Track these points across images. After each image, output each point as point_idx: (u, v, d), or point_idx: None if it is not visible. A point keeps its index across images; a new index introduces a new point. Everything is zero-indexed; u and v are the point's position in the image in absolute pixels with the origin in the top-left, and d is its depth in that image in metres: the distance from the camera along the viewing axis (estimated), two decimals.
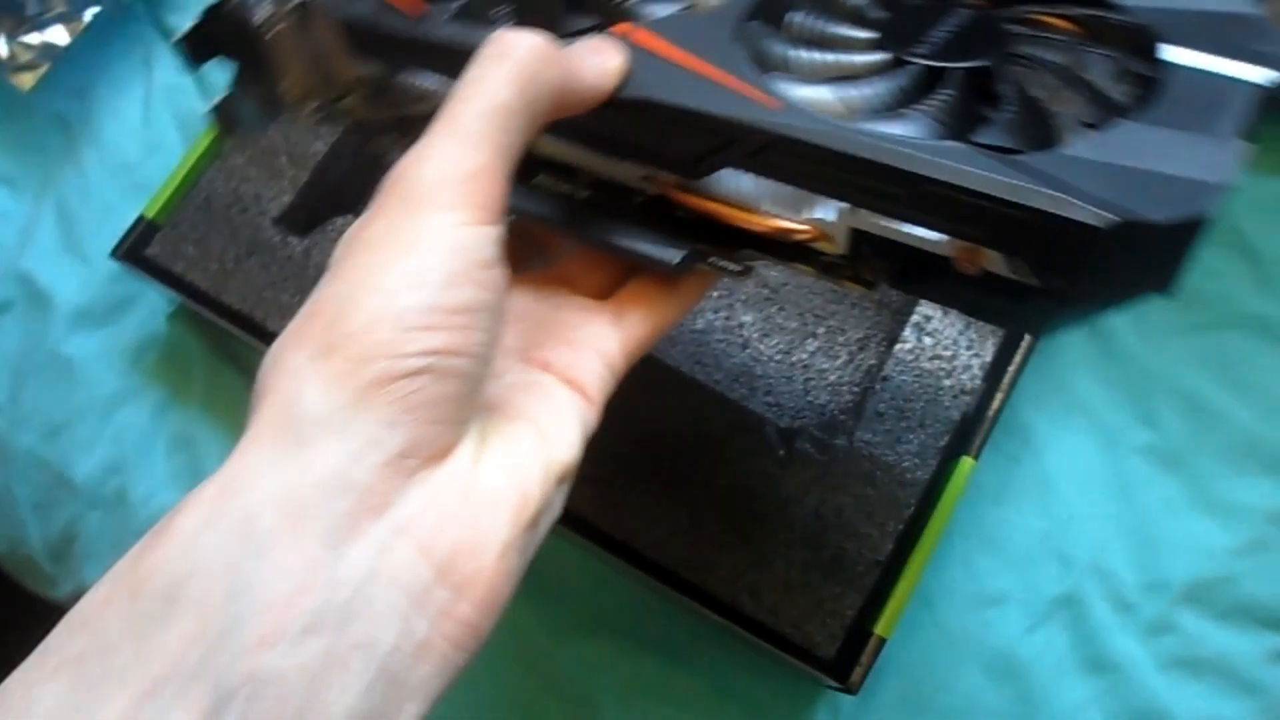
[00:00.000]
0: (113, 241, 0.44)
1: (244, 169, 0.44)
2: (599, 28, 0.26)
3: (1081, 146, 0.21)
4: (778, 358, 0.42)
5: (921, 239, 0.23)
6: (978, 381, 0.39)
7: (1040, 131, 0.22)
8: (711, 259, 0.26)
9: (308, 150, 0.44)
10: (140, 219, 0.44)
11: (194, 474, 0.47)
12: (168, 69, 0.52)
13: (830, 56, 0.25)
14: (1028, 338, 0.39)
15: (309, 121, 0.30)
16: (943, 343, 0.40)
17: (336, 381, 0.19)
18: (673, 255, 0.25)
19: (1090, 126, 0.22)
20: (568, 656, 0.42)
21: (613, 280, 0.28)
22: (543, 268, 0.28)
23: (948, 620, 0.41)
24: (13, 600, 0.49)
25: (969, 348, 0.40)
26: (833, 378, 0.41)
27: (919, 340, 0.40)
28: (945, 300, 0.32)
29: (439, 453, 0.21)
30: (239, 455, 0.20)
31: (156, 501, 0.46)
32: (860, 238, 0.24)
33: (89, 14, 0.49)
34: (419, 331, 0.20)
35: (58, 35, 0.49)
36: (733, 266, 0.25)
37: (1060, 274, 0.20)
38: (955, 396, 0.39)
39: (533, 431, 0.23)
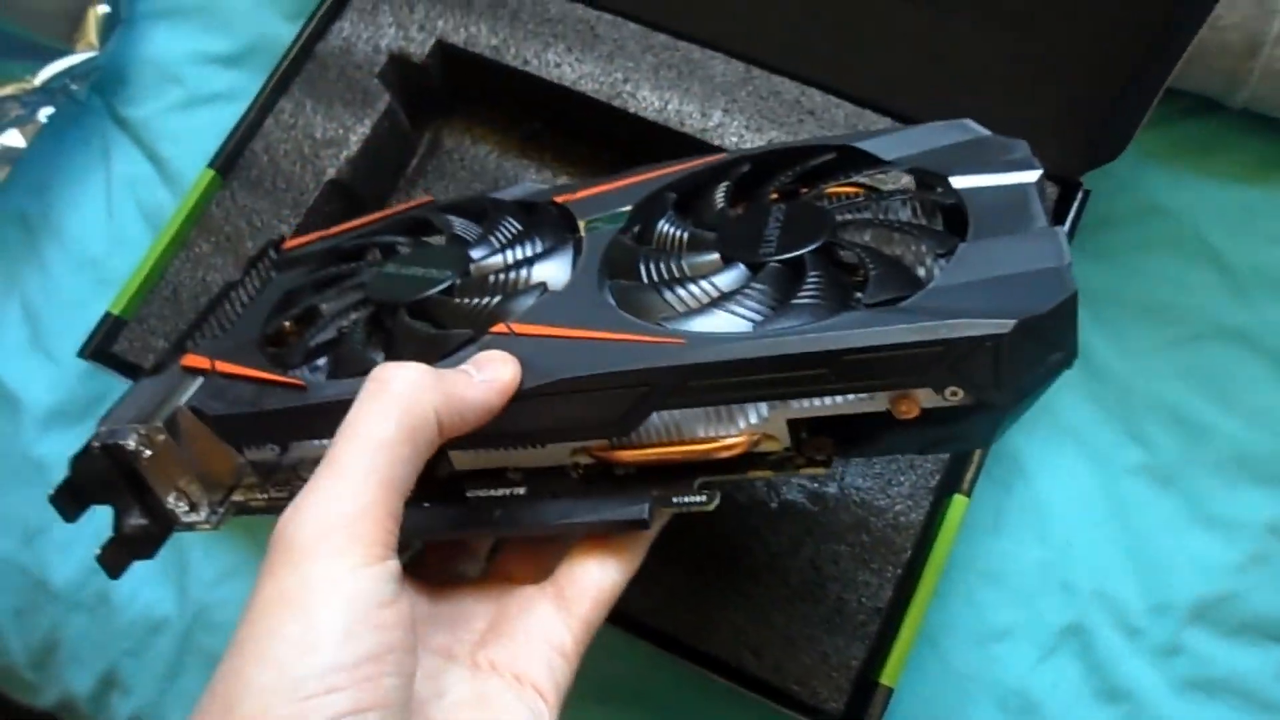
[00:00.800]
0: (80, 339, 0.43)
1: (209, 257, 0.44)
2: (475, 337, 0.27)
3: (944, 276, 0.24)
4: None
5: (855, 404, 0.23)
6: None
7: (903, 275, 0.25)
8: (674, 499, 0.25)
9: (273, 234, 0.44)
10: (107, 315, 0.43)
11: (180, 568, 0.45)
12: (127, 160, 0.51)
13: (699, 286, 0.26)
14: None
15: (207, 527, 0.29)
16: None
17: None
18: (639, 511, 0.25)
19: (940, 256, 0.25)
20: None
21: (550, 560, 0.26)
22: (478, 570, 0.28)
23: (955, 660, 0.40)
24: None
25: None
26: None
27: None
28: (897, 448, 0.32)
29: None
30: None
31: (140, 601, 0.45)
32: (798, 425, 0.25)
33: (44, 114, 0.49)
34: (320, 699, 0.19)
35: (14, 139, 0.49)
36: (697, 499, 0.25)
37: (986, 384, 0.22)
38: None
39: None
